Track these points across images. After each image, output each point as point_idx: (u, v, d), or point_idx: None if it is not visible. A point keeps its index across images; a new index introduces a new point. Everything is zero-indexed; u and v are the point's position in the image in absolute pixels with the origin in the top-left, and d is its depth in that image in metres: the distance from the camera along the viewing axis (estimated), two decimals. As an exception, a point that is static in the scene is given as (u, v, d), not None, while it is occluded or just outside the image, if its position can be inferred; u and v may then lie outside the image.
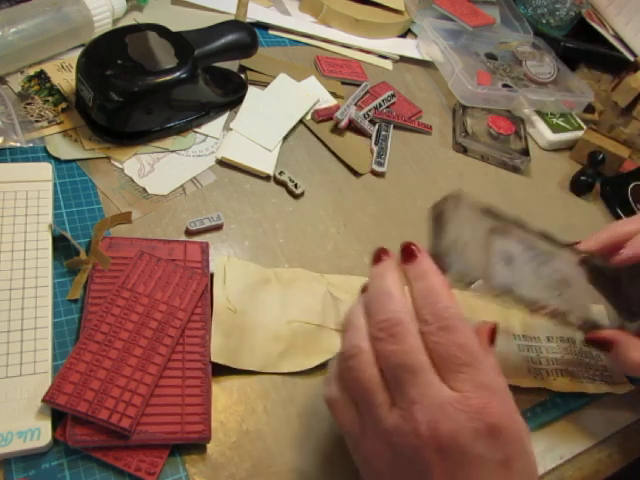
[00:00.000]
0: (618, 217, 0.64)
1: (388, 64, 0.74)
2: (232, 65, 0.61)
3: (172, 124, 0.53)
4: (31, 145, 0.48)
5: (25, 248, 0.41)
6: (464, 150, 0.66)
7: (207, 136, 0.55)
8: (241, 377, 0.40)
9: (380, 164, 0.59)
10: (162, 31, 0.52)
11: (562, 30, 0.86)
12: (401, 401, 0.29)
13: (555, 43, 0.81)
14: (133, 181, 0.49)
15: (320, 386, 0.40)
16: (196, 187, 0.51)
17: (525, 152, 0.66)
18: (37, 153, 0.48)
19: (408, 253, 0.33)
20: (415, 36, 0.79)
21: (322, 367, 0.42)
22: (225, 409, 0.39)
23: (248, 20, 0.64)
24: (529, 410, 0.44)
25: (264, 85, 0.62)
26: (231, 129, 0.56)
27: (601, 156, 0.66)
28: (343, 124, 0.60)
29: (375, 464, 0.31)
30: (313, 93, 0.63)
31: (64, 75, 0.54)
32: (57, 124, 0.50)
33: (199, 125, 0.55)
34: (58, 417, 0.34)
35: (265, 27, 0.70)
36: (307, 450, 0.38)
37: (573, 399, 0.46)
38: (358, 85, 0.66)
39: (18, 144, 0.47)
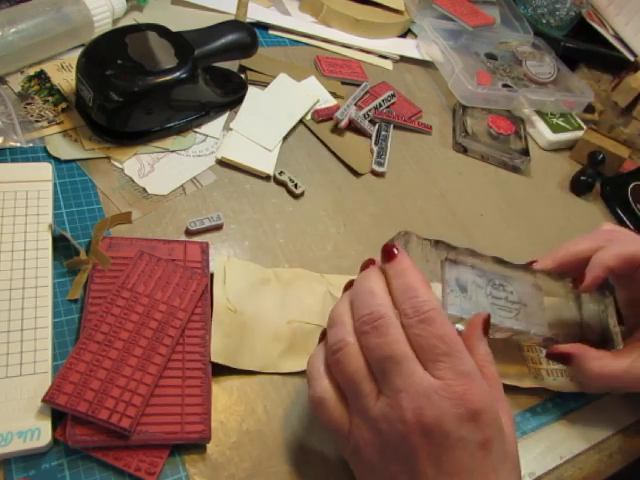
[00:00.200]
0: (618, 217, 0.64)
1: (388, 64, 0.74)
2: (232, 65, 0.61)
3: (172, 124, 0.53)
4: (31, 145, 0.48)
5: (25, 248, 0.41)
6: (464, 150, 0.66)
7: (207, 136, 0.55)
8: (241, 377, 0.40)
9: (380, 164, 0.59)
10: (162, 31, 0.52)
11: (562, 30, 0.86)
12: (387, 390, 0.31)
13: (555, 43, 0.81)
14: (133, 181, 0.49)
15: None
16: (196, 187, 0.51)
17: (525, 152, 0.66)
18: (37, 153, 0.48)
19: (388, 252, 0.35)
20: (415, 36, 0.79)
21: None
22: (225, 409, 0.39)
23: (248, 20, 0.64)
24: (529, 410, 0.44)
25: (264, 85, 0.62)
26: (231, 129, 0.56)
27: (601, 156, 0.66)
28: (343, 124, 0.60)
29: (364, 453, 0.32)
30: (313, 93, 0.63)
31: (64, 75, 0.54)
32: (57, 124, 0.50)
33: (199, 125, 0.55)
34: (58, 417, 0.34)
35: (265, 27, 0.70)
36: (307, 450, 0.38)
37: (573, 399, 0.46)
38: (358, 85, 0.66)
39: (18, 144, 0.47)
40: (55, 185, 0.46)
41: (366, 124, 0.62)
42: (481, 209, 0.60)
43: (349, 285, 0.37)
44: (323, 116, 0.61)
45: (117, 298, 0.39)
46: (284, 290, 0.45)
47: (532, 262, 0.45)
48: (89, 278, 0.41)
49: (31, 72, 0.53)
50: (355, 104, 0.63)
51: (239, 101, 0.59)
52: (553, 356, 0.43)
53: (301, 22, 0.72)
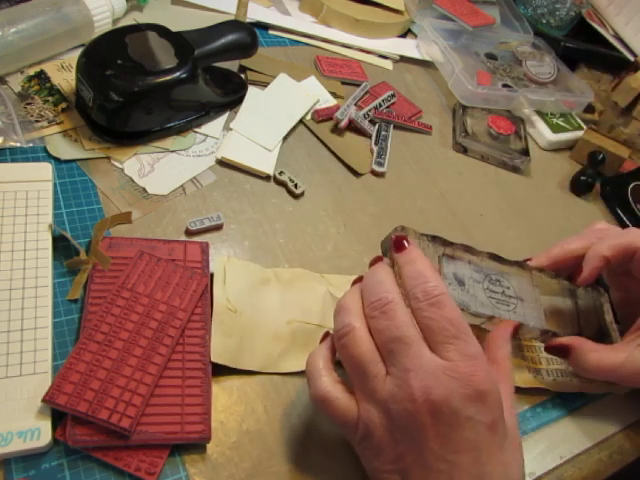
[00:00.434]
0: (618, 217, 0.64)
1: (388, 64, 0.74)
2: (232, 65, 0.61)
3: (172, 124, 0.53)
4: (31, 145, 0.48)
5: (25, 248, 0.41)
6: (464, 150, 0.66)
7: (207, 136, 0.55)
8: (241, 377, 0.40)
9: (380, 164, 0.59)
10: (162, 31, 0.52)
11: (562, 30, 0.86)
12: (396, 370, 0.32)
13: (555, 43, 0.81)
14: (133, 181, 0.49)
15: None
16: (196, 187, 0.51)
17: (525, 152, 0.66)
18: (37, 153, 0.48)
19: (399, 243, 0.36)
20: (415, 36, 0.79)
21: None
22: (225, 409, 0.39)
23: (248, 20, 0.64)
24: (529, 410, 0.44)
25: (264, 85, 0.62)
26: (231, 129, 0.56)
27: (601, 156, 0.66)
28: (343, 124, 0.60)
29: (373, 437, 0.33)
30: (313, 93, 0.63)
31: (64, 75, 0.54)
32: (57, 124, 0.50)
33: (199, 125, 0.55)
34: (58, 417, 0.34)
35: (265, 27, 0.70)
36: (307, 450, 0.38)
37: (573, 399, 0.46)
38: (358, 85, 0.66)
39: (18, 144, 0.47)
40: (55, 185, 0.46)
41: (366, 124, 0.62)
42: (481, 209, 0.60)
43: (358, 280, 0.38)
44: (323, 116, 0.61)
45: (117, 298, 0.39)
46: (284, 290, 0.45)
47: (527, 260, 0.46)
48: (89, 278, 0.41)
49: (31, 72, 0.53)
50: (355, 104, 0.63)
51: (239, 101, 0.59)
52: (551, 349, 0.43)
53: (301, 22, 0.72)
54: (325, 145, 0.59)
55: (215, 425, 0.37)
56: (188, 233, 0.47)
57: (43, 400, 0.34)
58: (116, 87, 0.47)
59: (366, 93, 0.66)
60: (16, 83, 0.52)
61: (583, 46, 0.84)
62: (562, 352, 0.43)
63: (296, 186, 0.53)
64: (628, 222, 0.63)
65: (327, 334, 0.38)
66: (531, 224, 0.60)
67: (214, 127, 0.56)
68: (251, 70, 0.63)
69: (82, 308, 0.40)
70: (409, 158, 0.62)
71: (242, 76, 0.61)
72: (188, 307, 0.40)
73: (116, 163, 0.50)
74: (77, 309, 0.40)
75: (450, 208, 0.58)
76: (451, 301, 0.33)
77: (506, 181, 0.65)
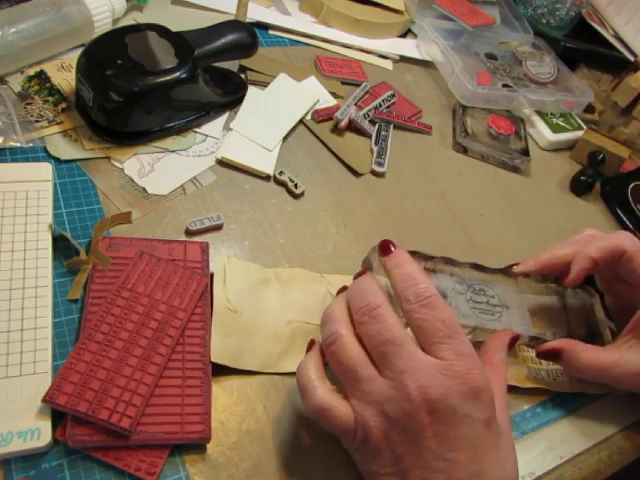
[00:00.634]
0: (618, 217, 0.64)
1: (388, 64, 0.74)
2: (232, 65, 0.61)
3: (172, 124, 0.53)
4: (31, 145, 0.48)
5: (25, 248, 0.41)
6: (464, 150, 0.66)
7: (207, 136, 0.55)
8: (241, 377, 0.40)
9: (380, 164, 0.59)
10: (162, 31, 0.52)
11: (562, 30, 0.86)
12: (390, 373, 0.32)
13: (555, 43, 0.81)
14: (133, 181, 0.49)
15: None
16: (196, 187, 0.51)
17: (525, 152, 0.66)
18: (37, 153, 0.48)
19: (385, 247, 0.37)
20: (415, 36, 0.79)
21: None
22: (225, 409, 0.39)
23: (248, 20, 0.64)
24: (529, 410, 0.44)
25: (264, 85, 0.62)
26: (231, 129, 0.56)
27: (601, 156, 0.66)
28: (343, 124, 0.60)
29: (370, 441, 0.33)
30: (313, 93, 0.63)
31: (64, 75, 0.54)
32: (57, 124, 0.50)
33: (199, 125, 0.55)
34: (58, 417, 0.34)
35: (265, 27, 0.70)
36: (307, 450, 0.38)
37: (573, 399, 0.46)
38: (358, 85, 0.66)
39: (18, 144, 0.47)
40: (55, 185, 0.46)
41: (366, 124, 0.62)
42: (481, 209, 0.60)
43: (342, 290, 0.39)
44: (323, 116, 0.61)
45: (117, 298, 0.39)
46: (284, 290, 0.45)
47: (514, 264, 0.47)
48: (89, 278, 0.41)
49: (31, 72, 0.53)
50: (355, 104, 0.63)
51: (239, 101, 0.59)
52: (543, 354, 0.43)
53: (301, 22, 0.72)
54: (325, 145, 0.59)
55: (215, 425, 0.37)
56: (188, 233, 0.47)
57: (43, 400, 0.34)
58: (116, 87, 0.47)
59: (366, 93, 0.66)
60: (16, 83, 0.52)
61: (583, 46, 0.84)
62: (553, 356, 0.43)
63: (296, 186, 0.53)
64: (628, 222, 0.63)
65: (313, 342, 0.38)
66: (531, 224, 0.60)
67: (214, 127, 0.56)
68: (251, 70, 0.63)
69: (82, 308, 0.40)
70: (409, 158, 0.62)
71: (242, 76, 0.61)
72: (188, 307, 0.40)
73: (116, 163, 0.50)
74: (77, 309, 0.40)
75: (450, 208, 0.58)
76: (442, 301, 0.33)
77: (506, 181, 0.65)
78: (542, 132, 0.71)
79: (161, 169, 0.51)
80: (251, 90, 0.60)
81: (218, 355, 0.39)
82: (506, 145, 0.66)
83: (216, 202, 0.50)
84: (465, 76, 0.67)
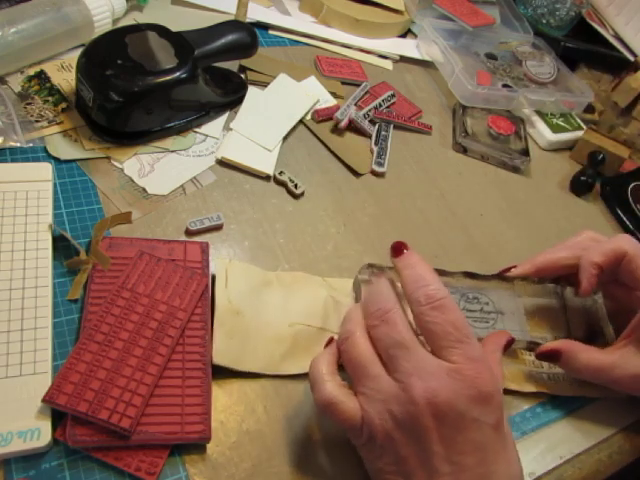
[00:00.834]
0: (618, 217, 0.64)
1: (388, 64, 0.74)
2: (232, 65, 0.61)
3: (172, 124, 0.53)
4: (31, 145, 0.48)
5: (25, 248, 0.41)
6: (464, 150, 0.66)
7: (207, 136, 0.55)
8: (241, 377, 0.40)
9: (380, 164, 0.59)
10: (162, 31, 0.52)
11: (562, 30, 0.86)
12: (398, 374, 0.32)
13: (555, 43, 0.81)
14: (133, 181, 0.49)
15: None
16: (196, 187, 0.51)
17: (525, 152, 0.66)
18: (37, 153, 0.48)
19: (397, 248, 0.37)
20: (415, 36, 0.79)
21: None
22: (225, 409, 0.39)
23: (248, 20, 0.64)
24: (529, 410, 0.44)
25: (264, 85, 0.62)
26: (231, 129, 0.56)
27: (601, 156, 0.66)
28: (343, 124, 0.60)
29: (377, 438, 0.33)
30: (313, 93, 0.63)
31: (64, 75, 0.54)
32: (57, 124, 0.50)
33: (199, 125, 0.55)
34: (58, 417, 0.34)
35: (265, 27, 0.70)
36: (307, 450, 0.38)
37: (573, 399, 0.46)
38: (358, 85, 0.66)
39: (18, 144, 0.47)
40: (55, 185, 0.46)
41: (366, 124, 0.62)
42: (481, 209, 0.60)
43: (330, 340, 0.38)
44: (323, 116, 0.61)
45: (117, 298, 0.39)
46: (286, 293, 0.45)
47: (509, 268, 0.47)
48: (89, 278, 0.41)
49: (31, 72, 0.53)
50: (355, 104, 0.63)
51: (239, 101, 0.59)
52: (542, 356, 0.43)
53: (301, 22, 0.72)
54: (325, 145, 0.59)
55: (215, 425, 0.37)
56: (188, 233, 0.47)
57: (43, 400, 0.34)
58: (116, 87, 0.47)
59: (366, 93, 0.66)
60: (16, 83, 0.52)
61: (583, 46, 0.84)
62: (552, 357, 0.43)
63: (296, 186, 0.53)
64: (628, 222, 0.63)
65: (331, 339, 0.38)
66: (531, 224, 0.60)
67: (214, 127, 0.56)
68: (251, 70, 0.63)
69: (82, 308, 0.40)
70: (409, 158, 0.62)
71: (242, 76, 0.61)
72: (188, 307, 0.40)
73: (116, 163, 0.50)
74: (77, 309, 0.40)
75: (450, 208, 0.58)
76: (454, 304, 0.33)
77: (506, 181, 0.65)
78: (542, 132, 0.71)
79: (161, 169, 0.51)
80: (251, 90, 0.60)
81: (220, 357, 0.39)
82: (506, 145, 0.66)
83: (216, 202, 0.50)
84: (465, 76, 0.67)
